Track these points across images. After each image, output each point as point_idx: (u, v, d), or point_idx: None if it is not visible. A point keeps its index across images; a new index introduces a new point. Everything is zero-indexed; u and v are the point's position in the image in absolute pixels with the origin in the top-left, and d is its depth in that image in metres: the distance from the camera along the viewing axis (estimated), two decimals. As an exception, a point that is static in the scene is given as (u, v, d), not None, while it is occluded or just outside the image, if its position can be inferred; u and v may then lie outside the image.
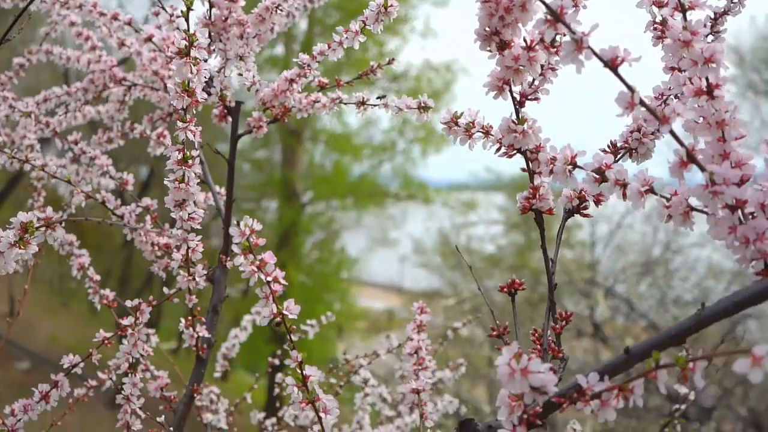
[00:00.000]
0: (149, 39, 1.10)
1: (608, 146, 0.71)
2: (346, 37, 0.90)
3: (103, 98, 1.31)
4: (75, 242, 1.14)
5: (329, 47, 0.92)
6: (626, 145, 0.70)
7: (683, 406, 1.11)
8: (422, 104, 0.87)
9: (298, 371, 0.67)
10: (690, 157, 0.52)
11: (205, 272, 0.93)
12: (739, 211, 0.53)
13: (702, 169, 0.52)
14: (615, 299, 6.51)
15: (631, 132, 0.70)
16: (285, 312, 0.65)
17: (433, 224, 10.67)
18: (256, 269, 0.64)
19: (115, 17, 1.12)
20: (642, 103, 0.51)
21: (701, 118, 0.56)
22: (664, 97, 0.70)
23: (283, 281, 0.65)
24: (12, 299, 7.96)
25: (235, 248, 0.63)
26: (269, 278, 0.64)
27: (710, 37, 0.74)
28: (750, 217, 0.54)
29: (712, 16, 0.75)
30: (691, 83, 0.57)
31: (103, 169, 1.14)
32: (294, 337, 1.47)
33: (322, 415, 0.66)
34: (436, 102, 0.76)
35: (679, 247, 6.83)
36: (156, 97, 1.20)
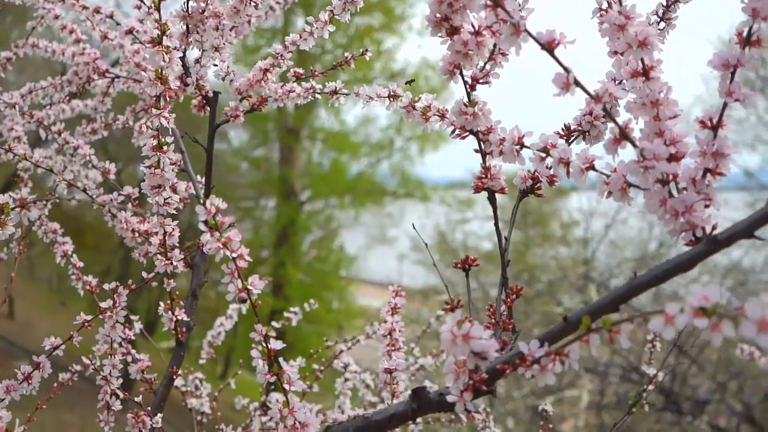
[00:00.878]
0: (130, 31, 1.12)
1: (562, 129, 0.73)
2: (316, 27, 0.94)
3: (91, 93, 1.34)
4: (59, 230, 1.17)
5: (300, 37, 0.95)
6: (579, 128, 0.73)
7: (650, 387, 1.14)
8: (392, 93, 0.90)
9: (263, 345, 0.70)
10: (623, 134, 0.55)
11: (182, 257, 0.96)
12: (673, 185, 0.56)
13: (634, 145, 0.55)
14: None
15: (584, 115, 0.73)
16: (250, 287, 0.68)
17: (429, 221, 10.72)
18: (221, 246, 0.67)
19: (96, 10, 1.15)
20: (576, 83, 0.54)
21: (639, 99, 0.59)
22: (617, 82, 0.73)
23: (248, 258, 0.68)
24: (12, 300, 7.99)
25: (201, 226, 0.66)
26: (234, 255, 0.67)
27: (662, 24, 0.77)
28: (684, 191, 0.57)
29: (665, 3, 0.78)
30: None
31: (86, 158, 1.17)
32: (277, 324, 1.48)
33: (286, 386, 0.69)
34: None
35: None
36: (139, 88, 1.23)
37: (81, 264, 1.16)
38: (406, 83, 0.88)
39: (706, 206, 0.55)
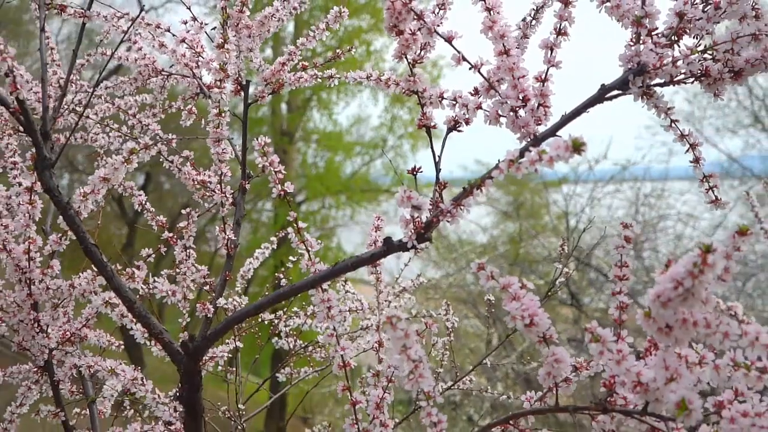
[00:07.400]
0: (182, 41, 1.58)
1: (473, 89, 1.19)
2: (318, 33, 1.40)
3: (148, 89, 1.79)
4: (135, 186, 1.63)
5: (307, 39, 1.42)
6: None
7: (562, 280, 1.59)
8: (369, 75, 1.36)
9: (295, 225, 1.15)
10: (491, 86, 1.01)
11: (233, 191, 1.42)
12: (522, 112, 1.02)
13: (496, 91, 1.01)
14: (592, 271, 7.02)
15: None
16: (286, 188, 1.13)
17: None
18: (268, 165, 1.12)
19: (158, 26, 1.60)
20: (464, 58, 1.00)
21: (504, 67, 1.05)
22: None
23: (283, 171, 1.13)
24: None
25: (255, 153, 1.11)
26: (276, 169, 1.12)
27: (533, 21, 1.23)
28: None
29: (535, 8, 1.23)
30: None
31: (155, 132, 1.62)
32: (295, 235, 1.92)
33: (309, 249, 1.15)
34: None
35: (650, 219, 7.35)
36: (186, 82, 1.68)
37: (153, 210, 1.61)
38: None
39: (538, 124, 1.01)
